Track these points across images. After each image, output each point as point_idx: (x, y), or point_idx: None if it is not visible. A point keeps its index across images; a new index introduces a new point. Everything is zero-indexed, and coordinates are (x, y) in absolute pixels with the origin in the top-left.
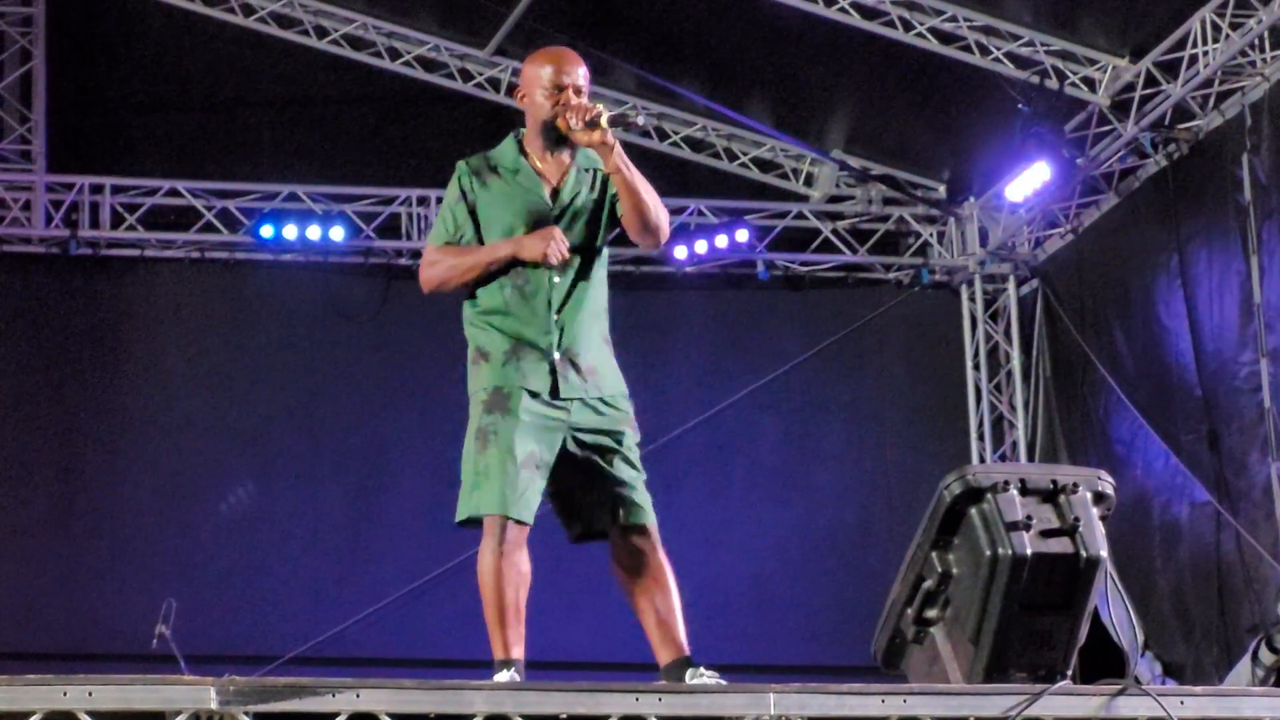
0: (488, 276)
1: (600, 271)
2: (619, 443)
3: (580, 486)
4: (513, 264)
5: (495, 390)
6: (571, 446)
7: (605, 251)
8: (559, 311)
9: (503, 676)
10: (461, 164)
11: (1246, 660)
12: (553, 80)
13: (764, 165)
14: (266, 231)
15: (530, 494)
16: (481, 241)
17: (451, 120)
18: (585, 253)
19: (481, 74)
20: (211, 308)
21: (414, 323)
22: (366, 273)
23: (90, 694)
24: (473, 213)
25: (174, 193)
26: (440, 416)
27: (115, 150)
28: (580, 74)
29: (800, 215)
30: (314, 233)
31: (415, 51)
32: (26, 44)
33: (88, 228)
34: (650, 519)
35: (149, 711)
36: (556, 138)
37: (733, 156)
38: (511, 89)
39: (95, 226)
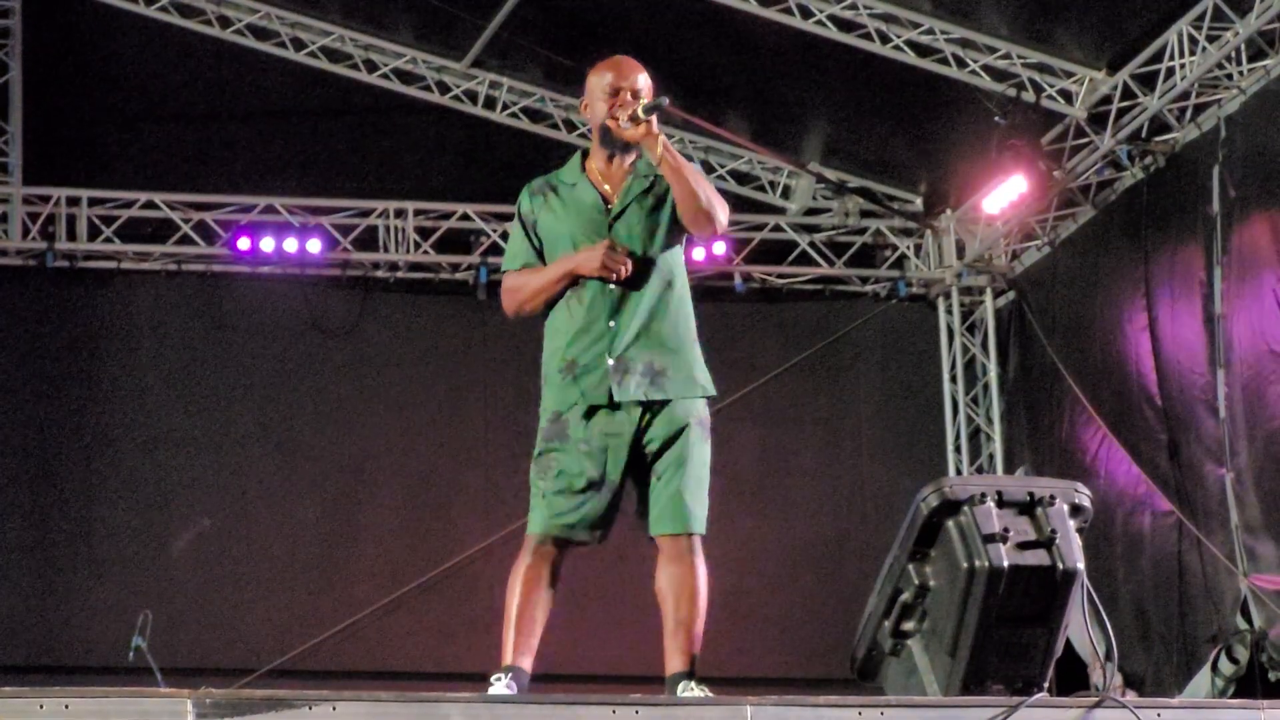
0: (557, 295)
1: (669, 274)
2: (680, 449)
3: (647, 489)
4: (576, 279)
5: (553, 415)
6: (639, 451)
7: (676, 253)
8: (614, 318)
9: (499, 682)
10: (525, 188)
11: (1206, 670)
12: (609, 86)
13: (741, 178)
14: (243, 244)
15: (581, 515)
16: (545, 260)
17: (429, 133)
18: (648, 255)
19: (459, 86)
20: (188, 320)
21: (391, 336)
22: (344, 285)
23: (66, 706)
24: (535, 233)
25: (151, 205)
26: (417, 430)
27: (92, 162)
28: (637, 78)
29: (777, 228)
30: (291, 245)
31: (392, 64)
32: (3, 56)
33: (64, 240)
34: (683, 528)
35: None
36: (616, 145)
37: (710, 169)
38: (489, 102)
39: (72, 239)
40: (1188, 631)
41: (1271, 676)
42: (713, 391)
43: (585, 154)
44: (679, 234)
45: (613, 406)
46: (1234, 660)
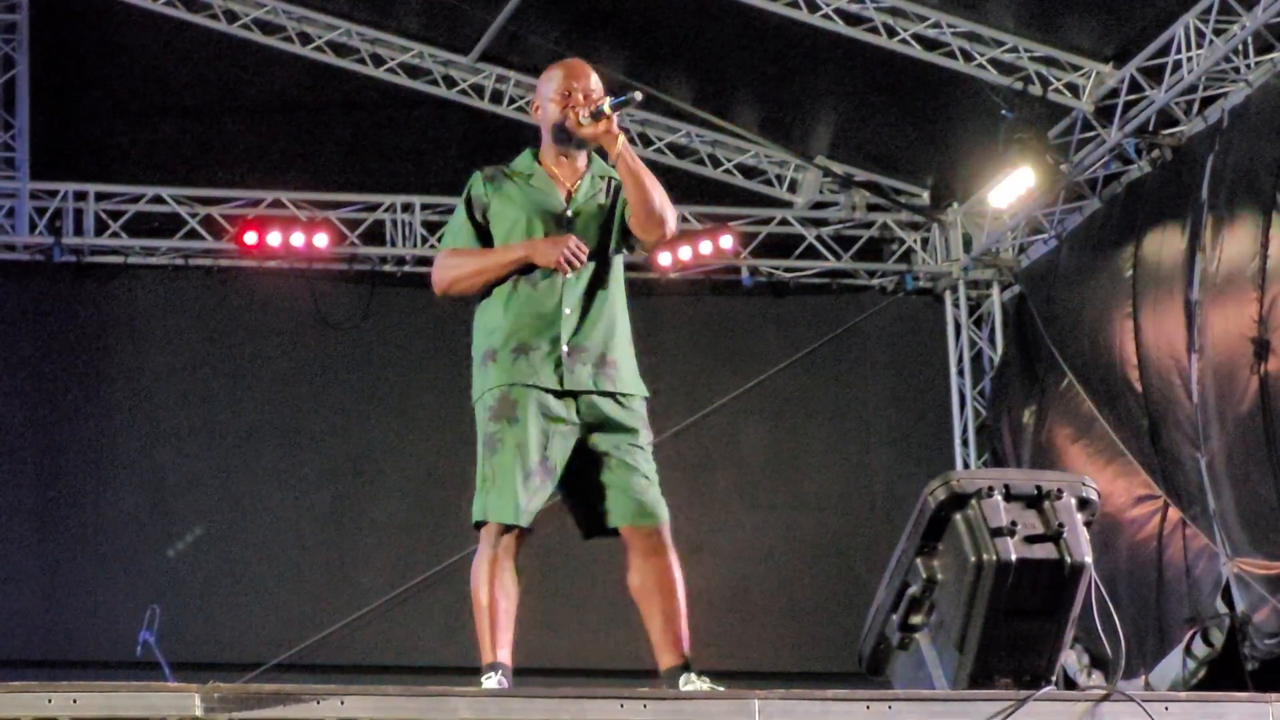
0: (498, 279)
1: (613, 278)
2: (633, 441)
3: (593, 483)
4: (526, 266)
5: (502, 394)
6: (585, 443)
7: (619, 262)
8: (569, 305)
9: (490, 680)
10: (477, 172)
11: (1179, 652)
12: (562, 86)
13: (748, 171)
14: (250, 238)
15: (535, 501)
16: (493, 243)
17: (435, 127)
18: (595, 258)
19: (465, 80)
20: (195, 315)
21: (398, 330)
22: (351, 280)
23: (75, 701)
24: (485, 215)
25: (157, 199)
26: (423, 424)
27: (99, 157)
28: (589, 79)
29: (784, 221)
30: (297, 239)
31: (399, 58)
32: (10, 51)
33: (71, 235)
34: (658, 520)
35: (134, 718)
36: (569, 144)
37: (717, 163)
38: (496, 96)
39: (79, 233)
40: (1162, 614)
41: (1249, 666)
42: (647, 393)
43: (535, 152)
44: (623, 240)
45: (559, 393)
46: (1209, 643)
